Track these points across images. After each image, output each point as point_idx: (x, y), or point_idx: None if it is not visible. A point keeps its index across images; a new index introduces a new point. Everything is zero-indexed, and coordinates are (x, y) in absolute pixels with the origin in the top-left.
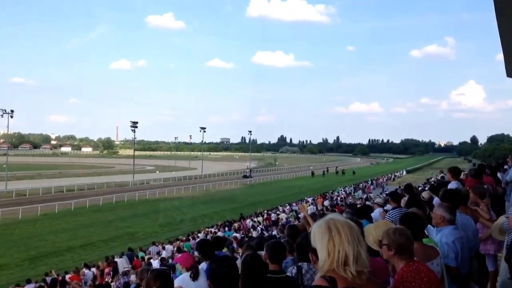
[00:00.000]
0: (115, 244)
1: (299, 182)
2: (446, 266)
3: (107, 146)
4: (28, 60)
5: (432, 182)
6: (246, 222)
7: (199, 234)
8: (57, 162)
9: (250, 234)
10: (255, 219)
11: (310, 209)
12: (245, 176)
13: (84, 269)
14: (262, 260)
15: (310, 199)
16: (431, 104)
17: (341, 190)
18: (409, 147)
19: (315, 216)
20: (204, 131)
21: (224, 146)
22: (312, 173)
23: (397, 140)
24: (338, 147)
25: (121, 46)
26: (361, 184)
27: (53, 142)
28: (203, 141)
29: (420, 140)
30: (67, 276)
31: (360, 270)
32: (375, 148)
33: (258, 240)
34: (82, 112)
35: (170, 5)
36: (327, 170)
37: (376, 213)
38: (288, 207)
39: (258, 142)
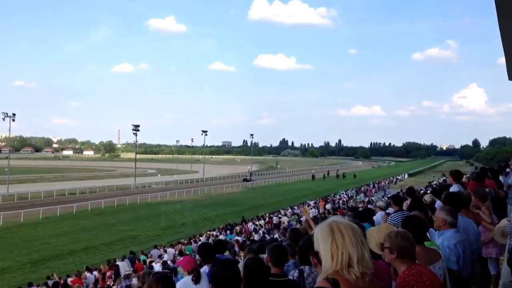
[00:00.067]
0: (117, 248)
1: (300, 185)
2: (447, 269)
3: (108, 149)
4: (30, 63)
5: (434, 186)
6: (248, 226)
7: (201, 238)
8: (59, 165)
9: (252, 238)
10: (257, 222)
11: (312, 212)
12: (245, 180)
13: (86, 273)
14: (264, 264)
15: (312, 203)
16: (433, 107)
17: (343, 194)
18: (411, 150)
19: (317, 220)
20: (206, 134)
21: (225, 149)
22: (313, 177)
23: (399, 143)
24: (340, 150)
25: (123, 49)
26: (363, 188)
27: (54, 145)
28: (205, 144)
29: (422, 143)
30: (69, 280)
31: (363, 272)
32: (377, 151)
33: (260, 243)
34: (83, 115)
35: (172, 9)
36: (328, 174)
37: (378, 216)
38: (290, 210)
39: (260, 145)
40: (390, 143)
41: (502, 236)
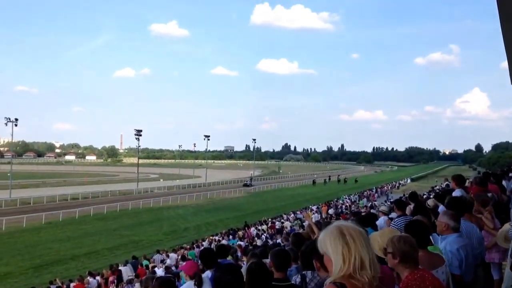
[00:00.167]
0: (120, 252)
1: (302, 190)
2: (450, 274)
3: (111, 154)
4: (32, 68)
5: (437, 190)
6: (251, 230)
7: (203, 243)
8: (61, 170)
9: (254, 243)
10: (260, 227)
11: (315, 217)
12: (245, 185)
13: (88, 278)
14: (267, 268)
15: (314, 207)
16: (435, 112)
17: (345, 198)
18: (414, 155)
19: (319, 224)
20: (208, 139)
21: (228, 154)
22: (314, 182)
23: (401, 148)
24: (343, 155)
25: (125, 54)
26: (365, 192)
27: (57, 150)
28: (207, 149)
29: (425, 148)
30: (72, 285)
31: (374, 276)
32: (379, 156)
33: (263, 248)
34: (86, 120)
35: (174, 13)
36: (329, 179)
37: (381, 221)
38: (292, 215)
39: (263, 150)
40: (392, 148)
41: (505, 241)
